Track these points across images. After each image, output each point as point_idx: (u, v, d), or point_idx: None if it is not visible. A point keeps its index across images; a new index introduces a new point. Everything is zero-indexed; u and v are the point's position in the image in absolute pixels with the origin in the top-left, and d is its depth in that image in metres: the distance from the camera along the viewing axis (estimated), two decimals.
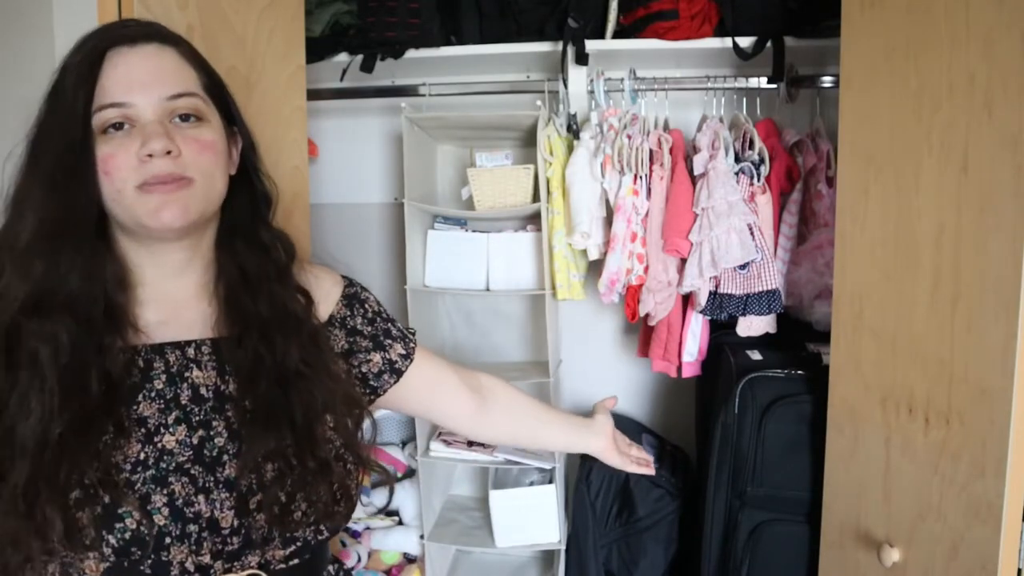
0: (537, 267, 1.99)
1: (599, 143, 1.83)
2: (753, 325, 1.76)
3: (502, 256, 2.03)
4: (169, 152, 0.68)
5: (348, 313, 0.89)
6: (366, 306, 0.91)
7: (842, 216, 1.36)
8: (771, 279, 1.67)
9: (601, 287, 1.83)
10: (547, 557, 2.21)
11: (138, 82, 0.69)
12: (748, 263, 1.67)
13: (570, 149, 1.89)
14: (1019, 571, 1.00)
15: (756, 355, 1.72)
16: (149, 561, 0.66)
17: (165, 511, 0.67)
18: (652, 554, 1.86)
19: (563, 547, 1.96)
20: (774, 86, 1.83)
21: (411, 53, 1.95)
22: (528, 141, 2.04)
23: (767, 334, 1.78)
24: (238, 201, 0.80)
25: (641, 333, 1.99)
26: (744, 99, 1.90)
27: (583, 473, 1.89)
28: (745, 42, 1.80)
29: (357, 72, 1.97)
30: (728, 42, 1.80)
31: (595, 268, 1.93)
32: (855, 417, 1.33)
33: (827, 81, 1.78)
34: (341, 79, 2.02)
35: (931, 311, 1.13)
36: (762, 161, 1.71)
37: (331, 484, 0.74)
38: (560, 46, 1.89)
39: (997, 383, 1.00)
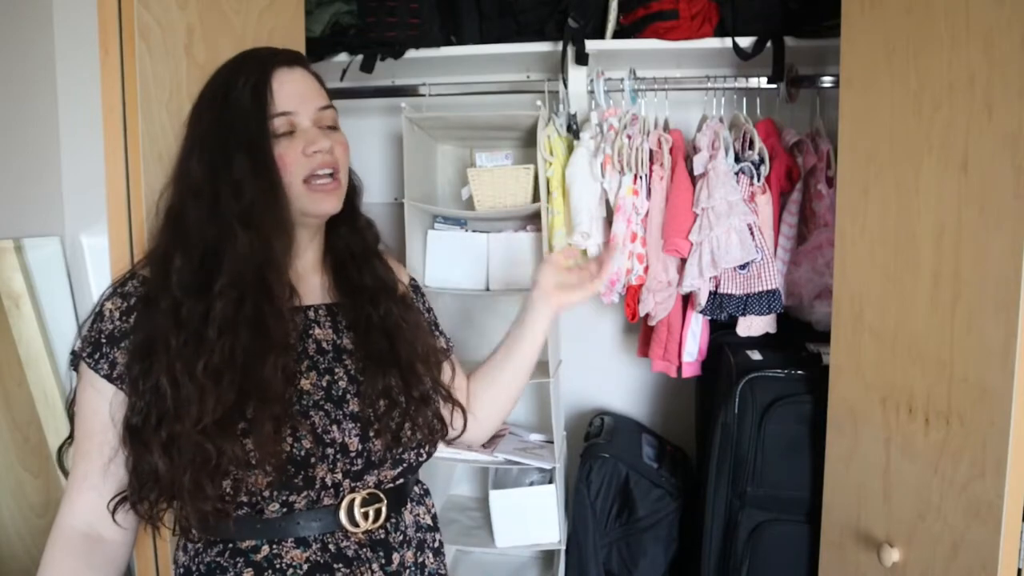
0: (537, 267, 1.98)
1: (599, 143, 1.83)
2: (753, 325, 1.76)
3: (502, 256, 2.03)
4: (328, 149, 0.90)
5: (413, 297, 1.10)
6: (424, 299, 1.14)
7: (842, 216, 1.36)
8: (771, 279, 1.67)
9: (601, 287, 1.83)
10: (547, 557, 2.21)
11: (299, 96, 0.90)
12: (748, 263, 1.67)
13: (570, 149, 1.89)
14: (1019, 571, 1.00)
15: (756, 355, 1.72)
16: (300, 475, 0.83)
17: (310, 437, 0.84)
18: (652, 554, 1.86)
19: (563, 547, 1.96)
20: (774, 86, 1.83)
21: (411, 53, 1.95)
22: (528, 141, 2.04)
23: (767, 334, 1.78)
24: None
25: (641, 333, 1.99)
26: (744, 99, 1.90)
27: (583, 473, 1.89)
28: (745, 42, 1.80)
29: (357, 72, 1.97)
30: (728, 42, 1.80)
31: None
32: (855, 417, 1.33)
33: (827, 81, 1.78)
34: (341, 79, 2.02)
35: (931, 311, 1.13)
36: (762, 161, 1.71)
37: (430, 411, 0.95)
38: (560, 46, 1.89)
39: (997, 383, 1.00)
